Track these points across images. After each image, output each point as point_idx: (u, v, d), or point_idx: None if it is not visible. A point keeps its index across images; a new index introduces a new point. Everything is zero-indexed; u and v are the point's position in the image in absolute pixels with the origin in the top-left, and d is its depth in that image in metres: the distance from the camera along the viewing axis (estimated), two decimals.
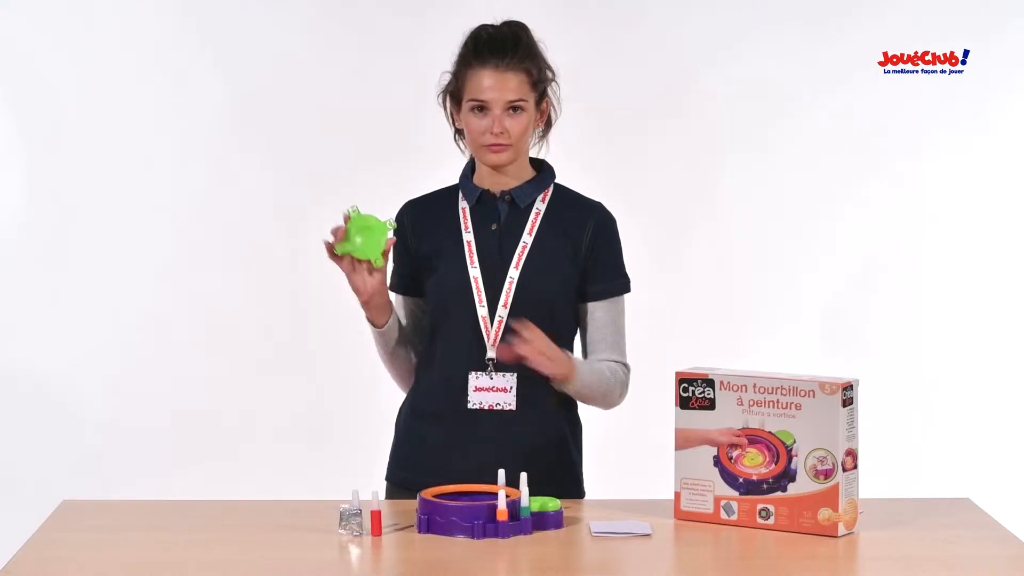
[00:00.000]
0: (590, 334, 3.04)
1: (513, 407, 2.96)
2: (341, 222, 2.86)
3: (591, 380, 2.98)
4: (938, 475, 4.87)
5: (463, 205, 3.03)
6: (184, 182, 5.00)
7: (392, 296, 3.05)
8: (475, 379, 2.97)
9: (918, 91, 4.93)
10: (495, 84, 2.93)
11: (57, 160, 4.97)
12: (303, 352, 5.03)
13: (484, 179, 3.02)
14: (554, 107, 3.03)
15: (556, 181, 3.06)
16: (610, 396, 3.03)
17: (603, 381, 3.00)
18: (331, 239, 2.87)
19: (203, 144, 4.99)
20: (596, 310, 3.03)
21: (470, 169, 3.06)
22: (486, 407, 2.97)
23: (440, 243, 3.02)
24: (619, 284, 3.06)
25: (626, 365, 3.07)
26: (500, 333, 2.95)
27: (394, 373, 3.11)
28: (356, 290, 2.94)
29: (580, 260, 3.01)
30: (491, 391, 2.96)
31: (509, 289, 2.96)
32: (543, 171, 3.05)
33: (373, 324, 3.01)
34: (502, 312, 2.96)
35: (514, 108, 2.93)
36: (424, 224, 3.05)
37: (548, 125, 3.06)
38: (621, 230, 3.08)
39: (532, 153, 3.07)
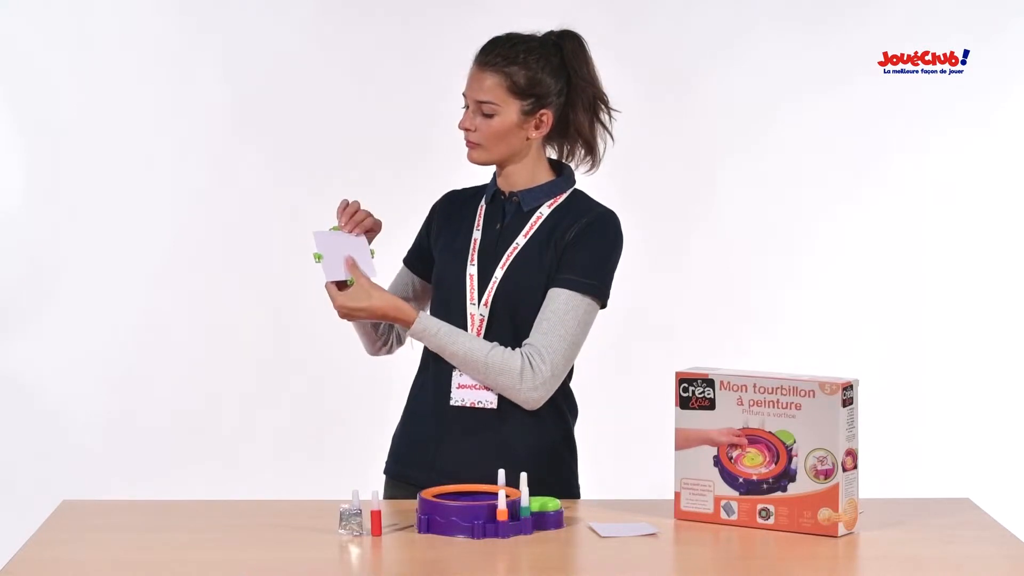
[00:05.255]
0: (537, 316, 2.94)
1: (495, 406, 2.96)
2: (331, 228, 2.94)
3: (453, 344, 2.91)
4: (938, 475, 4.87)
5: (483, 203, 3.05)
6: (184, 182, 5.00)
7: (400, 272, 3.15)
8: (458, 376, 2.97)
9: (918, 91, 4.93)
10: (471, 81, 2.97)
11: (57, 160, 4.98)
12: (303, 352, 5.03)
13: (500, 179, 3.04)
14: (545, 124, 2.99)
15: (577, 187, 3.05)
16: (484, 375, 2.91)
17: (471, 352, 2.90)
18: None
19: (203, 144, 5.00)
20: (550, 296, 2.93)
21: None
22: (468, 404, 2.97)
23: (454, 237, 3.04)
24: (586, 283, 2.93)
25: (541, 356, 2.88)
26: (482, 331, 2.96)
27: (365, 338, 3.14)
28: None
29: (557, 257, 2.96)
30: (473, 389, 2.97)
31: (492, 288, 2.97)
32: (561, 176, 3.04)
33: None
34: (483, 311, 2.97)
35: (484, 109, 2.94)
36: (450, 216, 3.09)
37: (591, 149, 3.04)
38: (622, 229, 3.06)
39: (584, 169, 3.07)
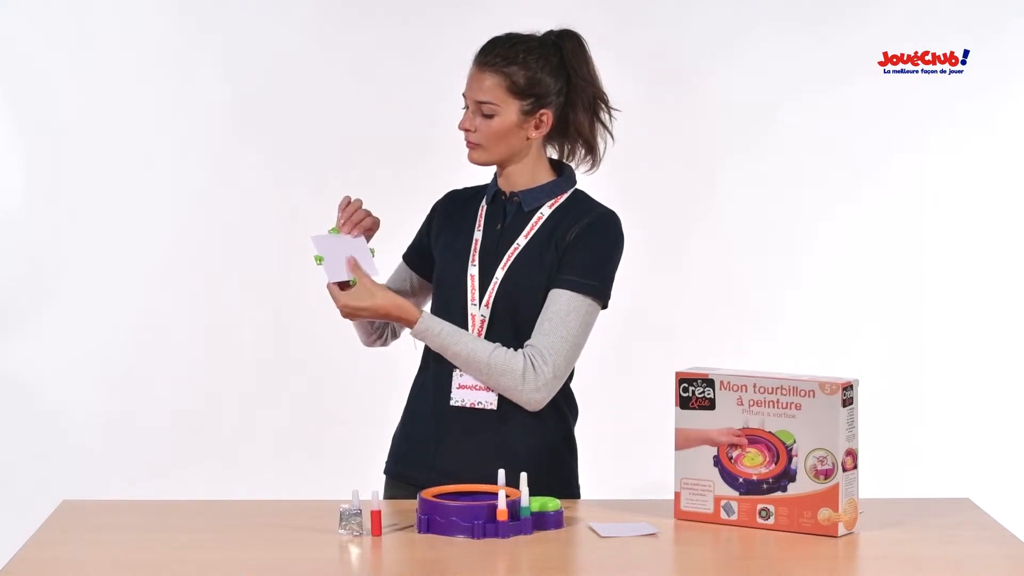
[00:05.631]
0: (539, 317, 2.94)
1: (494, 407, 2.96)
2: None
3: (456, 344, 2.91)
4: (938, 475, 4.87)
5: (483, 204, 3.05)
6: (184, 182, 5.00)
7: (398, 268, 3.16)
8: (459, 376, 2.98)
9: (918, 91, 4.93)
10: (471, 82, 2.97)
11: (57, 160, 4.97)
12: (303, 352, 5.02)
13: (501, 180, 3.04)
14: (545, 123, 3.00)
15: (577, 187, 3.06)
16: (486, 376, 2.92)
17: (474, 353, 2.91)
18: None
19: (203, 144, 4.99)
20: (552, 297, 2.93)
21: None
22: (468, 405, 2.97)
23: (455, 237, 3.05)
24: (587, 284, 2.93)
25: (543, 355, 2.89)
26: (483, 331, 2.96)
27: (361, 329, 3.14)
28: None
29: (558, 257, 2.97)
30: (473, 389, 2.97)
31: (493, 288, 2.97)
32: (561, 176, 3.05)
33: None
34: (484, 311, 2.97)
35: (484, 109, 2.94)
36: (451, 215, 3.09)
37: (591, 148, 3.04)
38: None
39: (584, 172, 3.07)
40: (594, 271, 2.95)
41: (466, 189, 3.14)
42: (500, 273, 2.98)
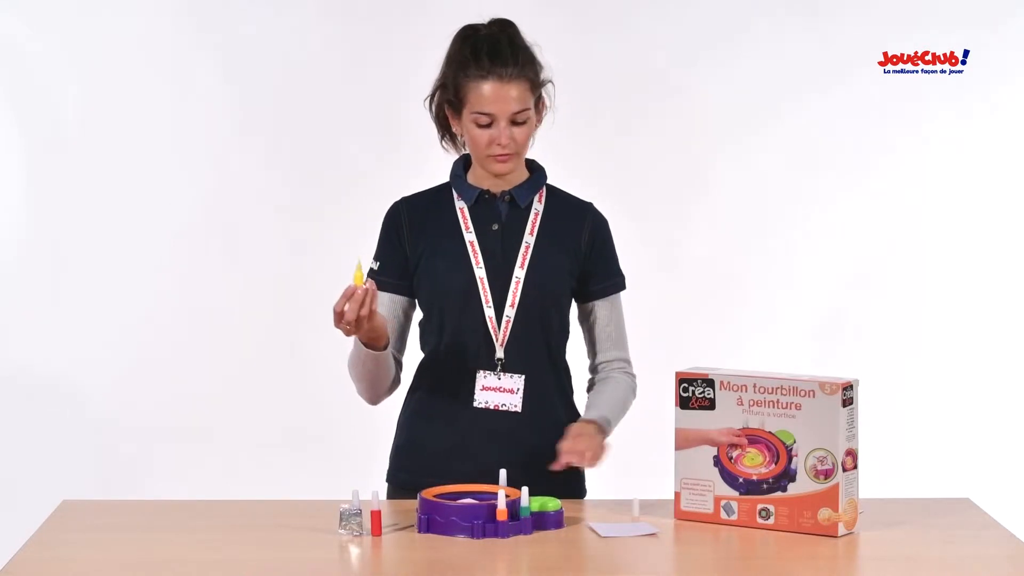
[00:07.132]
0: (596, 333, 3.07)
1: (519, 409, 2.95)
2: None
3: (618, 417, 3.05)
4: (938, 475, 4.87)
5: (460, 205, 3.02)
6: (185, 183, 4.99)
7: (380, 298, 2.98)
8: (483, 378, 2.96)
9: (918, 91, 4.93)
10: (501, 95, 2.89)
11: (57, 160, 4.97)
12: (304, 352, 5.02)
13: (483, 179, 3.01)
14: (547, 106, 3.01)
15: (547, 182, 3.07)
16: (629, 409, 3.11)
17: (624, 405, 3.08)
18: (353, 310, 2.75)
19: (203, 144, 4.99)
20: (600, 309, 3.06)
21: (463, 168, 3.05)
22: (491, 407, 2.96)
23: (438, 242, 3.00)
24: (618, 282, 3.08)
25: (629, 362, 3.11)
26: (508, 333, 2.96)
27: (373, 388, 2.97)
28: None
29: (580, 260, 3.02)
30: (498, 391, 2.96)
31: (516, 289, 2.96)
32: (536, 171, 3.05)
33: (374, 348, 2.89)
34: (509, 312, 2.96)
35: (519, 118, 2.91)
36: (421, 222, 3.02)
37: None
38: (620, 230, 3.10)
39: None
40: (615, 268, 3.07)
41: (418, 194, 3.07)
42: (520, 273, 2.97)
